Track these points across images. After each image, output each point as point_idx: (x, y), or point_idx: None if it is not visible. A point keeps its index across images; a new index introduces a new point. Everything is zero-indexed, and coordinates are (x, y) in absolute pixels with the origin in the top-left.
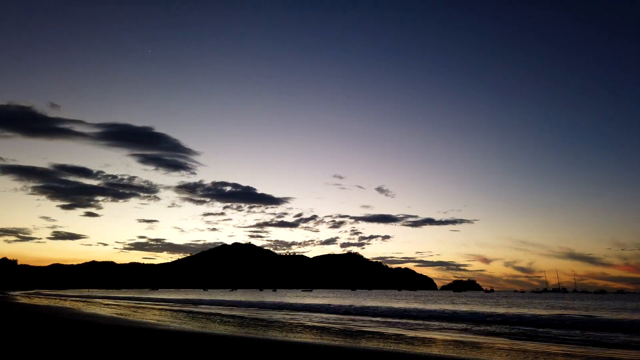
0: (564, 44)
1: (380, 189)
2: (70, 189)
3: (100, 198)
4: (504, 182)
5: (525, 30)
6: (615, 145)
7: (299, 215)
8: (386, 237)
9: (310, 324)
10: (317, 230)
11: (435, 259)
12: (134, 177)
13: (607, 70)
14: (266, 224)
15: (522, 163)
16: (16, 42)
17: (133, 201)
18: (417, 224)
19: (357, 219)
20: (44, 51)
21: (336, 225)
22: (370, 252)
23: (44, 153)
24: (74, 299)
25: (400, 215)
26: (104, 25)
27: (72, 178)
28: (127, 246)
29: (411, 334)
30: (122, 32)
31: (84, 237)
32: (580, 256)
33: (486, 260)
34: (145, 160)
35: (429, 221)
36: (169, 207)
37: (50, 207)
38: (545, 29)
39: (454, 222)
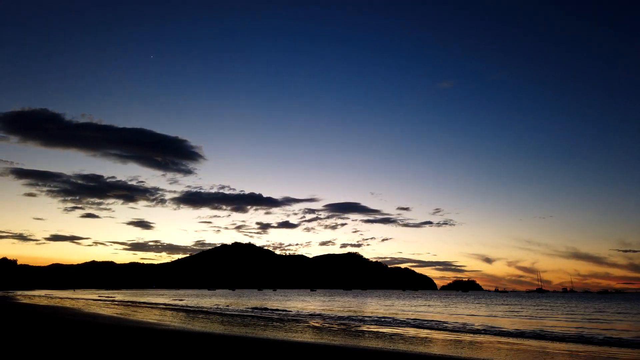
0: (565, 42)
1: (380, 190)
2: (78, 191)
3: (104, 201)
4: (511, 180)
5: (535, 32)
6: (624, 144)
7: (300, 216)
8: (386, 238)
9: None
10: (317, 231)
11: (436, 259)
12: (142, 181)
13: (612, 68)
14: (267, 224)
15: (528, 162)
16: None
17: (136, 204)
18: (417, 224)
19: (357, 219)
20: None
21: (336, 226)
22: (370, 252)
23: (55, 157)
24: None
25: (401, 216)
26: (112, 33)
27: (80, 181)
28: (127, 247)
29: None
30: (127, 38)
31: (85, 239)
32: (585, 256)
33: (489, 260)
34: (151, 164)
35: (430, 221)
36: (173, 210)
37: (54, 208)
38: (545, 28)
39: (455, 222)
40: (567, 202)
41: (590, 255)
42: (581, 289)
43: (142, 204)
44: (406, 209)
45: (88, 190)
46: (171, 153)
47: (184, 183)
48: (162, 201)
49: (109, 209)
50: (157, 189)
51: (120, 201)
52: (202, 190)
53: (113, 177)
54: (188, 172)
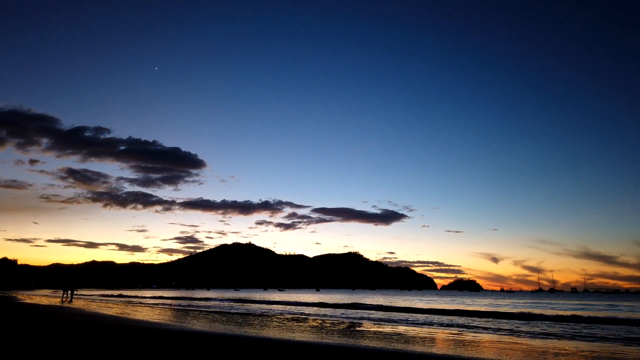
0: (568, 39)
1: (382, 190)
2: (82, 194)
3: (111, 204)
4: (519, 179)
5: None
6: (636, 143)
7: (300, 216)
8: (386, 238)
9: None
10: (317, 232)
11: (437, 258)
12: (154, 188)
13: (622, 63)
14: (267, 224)
15: (540, 160)
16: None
17: (142, 208)
18: (418, 224)
19: (357, 219)
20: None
21: (336, 226)
22: (370, 252)
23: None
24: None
25: (402, 216)
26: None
27: (84, 184)
28: (128, 248)
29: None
30: (132, 49)
31: (85, 240)
32: (596, 255)
33: (495, 260)
34: (158, 172)
35: (430, 223)
36: (176, 214)
37: (55, 209)
38: (547, 32)
39: (458, 221)
40: (580, 201)
41: (601, 255)
42: (590, 289)
43: (146, 208)
44: (406, 210)
45: (99, 196)
46: (177, 162)
47: (187, 188)
48: (166, 206)
49: (115, 213)
50: (161, 195)
51: (126, 205)
52: (205, 196)
53: (120, 183)
54: (191, 180)
